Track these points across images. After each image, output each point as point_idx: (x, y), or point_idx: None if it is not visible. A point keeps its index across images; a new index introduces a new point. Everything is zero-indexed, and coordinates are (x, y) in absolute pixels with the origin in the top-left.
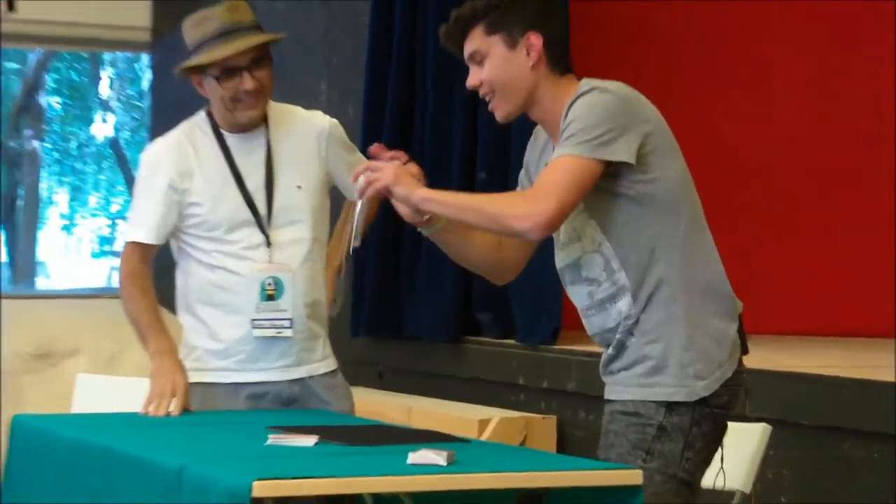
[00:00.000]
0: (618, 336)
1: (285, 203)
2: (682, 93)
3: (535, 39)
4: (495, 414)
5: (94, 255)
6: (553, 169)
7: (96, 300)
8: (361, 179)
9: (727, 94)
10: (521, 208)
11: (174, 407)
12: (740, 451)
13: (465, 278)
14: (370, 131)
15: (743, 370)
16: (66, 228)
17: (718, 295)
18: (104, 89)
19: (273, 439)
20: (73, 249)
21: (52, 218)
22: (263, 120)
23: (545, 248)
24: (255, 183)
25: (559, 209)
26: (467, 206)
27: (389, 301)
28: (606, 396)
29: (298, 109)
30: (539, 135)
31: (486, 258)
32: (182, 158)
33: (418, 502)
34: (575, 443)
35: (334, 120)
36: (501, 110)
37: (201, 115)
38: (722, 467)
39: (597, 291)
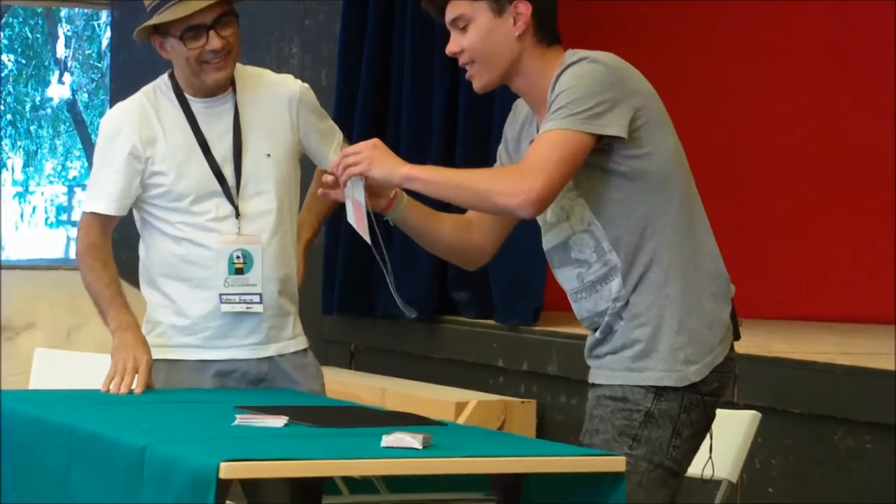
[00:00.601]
0: (606, 319)
1: (254, 172)
2: (682, 77)
3: (524, 8)
4: (473, 397)
5: (51, 225)
6: (542, 143)
7: (54, 272)
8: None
9: (725, 79)
10: (509, 184)
11: (137, 384)
12: (728, 439)
13: None
14: (344, 99)
15: (734, 357)
16: (21, 196)
17: (713, 276)
18: (61, 48)
19: (241, 419)
20: (27, 218)
21: (5, 185)
22: (230, 84)
23: (523, 227)
24: (223, 151)
25: (549, 185)
26: (453, 184)
27: (362, 278)
28: (592, 380)
29: (267, 73)
30: (519, 109)
31: (455, 243)
32: (144, 124)
33: (392, 486)
34: (555, 428)
35: (305, 84)
36: (480, 80)
37: (164, 79)
38: (711, 456)
39: (587, 273)
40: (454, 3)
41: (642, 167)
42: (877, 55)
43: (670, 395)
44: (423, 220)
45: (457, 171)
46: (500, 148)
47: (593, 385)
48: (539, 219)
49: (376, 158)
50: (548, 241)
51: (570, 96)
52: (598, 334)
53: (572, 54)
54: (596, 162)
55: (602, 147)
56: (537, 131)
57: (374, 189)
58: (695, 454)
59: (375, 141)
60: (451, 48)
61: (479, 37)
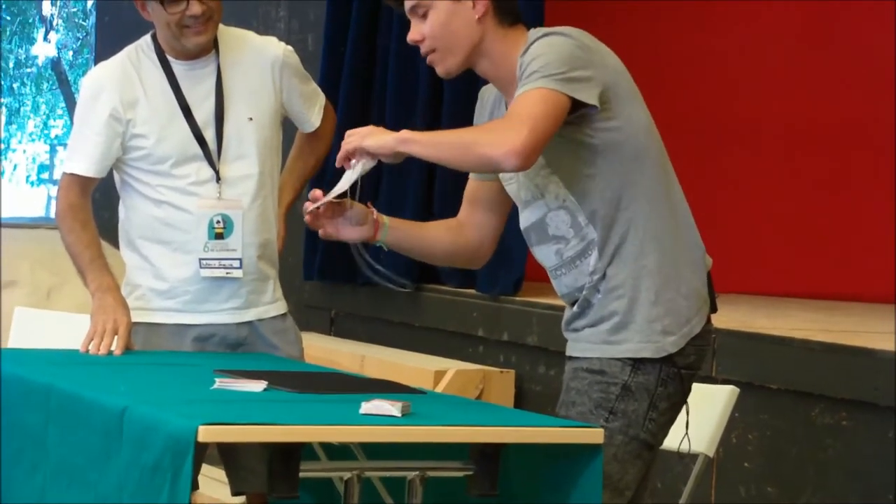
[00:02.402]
0: (584, 293)
1: (236, 136)
2: (670, 50)
3: None
4: (452, 366)
5: (32, 183)
6: (522, 100)
7: (34, 230)
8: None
9: (715, 48)
10: (495, 136)
11: (116, 346)
12: (705, 413)
13: (425, 219)
14: (330, 64)
15: (712, 329)
16: (2, 153)
17: (689, 246)
18: (46, 5)
19: (220, 383)
20: (8, 175)
21: None
22: (213, 46)
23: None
24: (204, 114)
25: (534, 137)
26: (443, 141)
27: (344, 244)
28: (569, 353)
29: (251, 35)
30: (485, 97)
31: (451, 247)
32: (126, 86)
33: (370, 453)
34: (533, 398)
35: (289, 47)
36: (443, 65)
37: (147, 40)
38: (687, 432)
39: (565, 249)
40: None
41: (614, 139)
42: (868, 27)
43: (647, 368)
44: (411, 233)
45: (445, 130)
46: None
47: (570, 357)
48: (514, 198)
49: (369, 133)
50: (525, 219)
51: (543, 61)
52: (575, 308)
53: (537, 31)
54: (568, 135)
55: (573, 120)
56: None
57: (356, 217)
58: (670, 427)
59: (372, 126)
60: (412, 36)
61: (439, 23)
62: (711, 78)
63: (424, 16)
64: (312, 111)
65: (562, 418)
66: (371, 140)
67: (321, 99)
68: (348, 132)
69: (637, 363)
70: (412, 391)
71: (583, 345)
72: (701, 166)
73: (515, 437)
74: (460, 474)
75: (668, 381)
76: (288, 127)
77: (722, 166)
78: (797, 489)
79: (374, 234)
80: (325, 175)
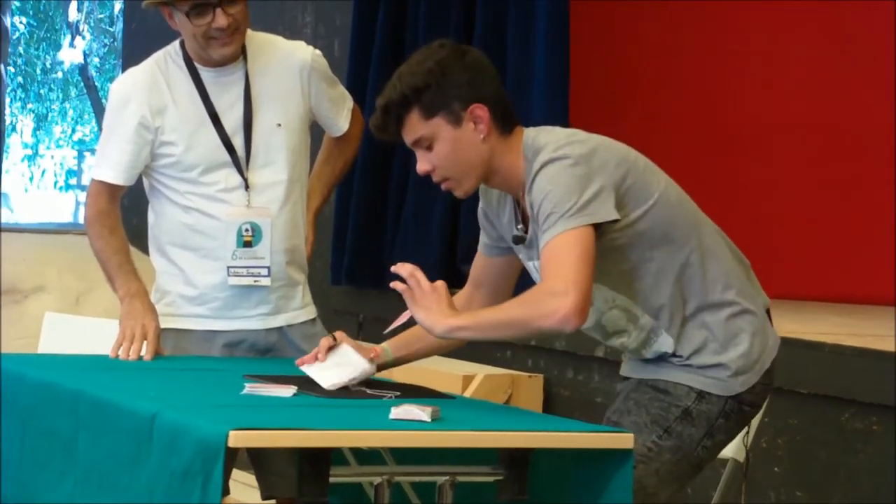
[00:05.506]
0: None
1: (264, 142)
2: (684, 55)
3: (481, 111)
4: (480, 370)
5: (60, 189)
6: (552, 253)
7: (63, 236)
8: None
9: (727, 56)
10: (543, 306)
11: (145, 351)
12: None
13: (451, 228)
14: (357, 70)
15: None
16: (30, 159)
17: (739, 288)
18: (73, 11)
19: (250, 388)
20: (37, 181)
21: (14, 147)
22: (241, 52)
23: None
24: (233, 121)
25: (581, 293)
26: (495, 324)
27: (372, 249)
28: (629, 375)
29: (279, 40)
30: (489, 192)
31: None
32: (154, 93)
33: (399, 458)
34: (561, 403)
35: (317, 51)
36: (461, 190)
37: (175, 47)
38: (748, 452)
39: (630, 341)
40: (409, 127)
41: (639, 229)
42: (879, 31)
43: (713, 399)
44: (413, 346)
45: (493, 309)
46: (481, 217)
47: (628, 378)
48: None
49: (425, 301)
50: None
51: (553, 199)
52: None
53: (531, 141)
54: (598, 245)
55: (598, 233)
56: (517, 208)
57: (361, 349)
58: (719, 452)
59: (440, 284)
60: (421, 167)
61: (447, 151)
62: (734, 88)
63: (429, 147)
64: (340, 115)
65: (611, 424)
66: (422, 315)
67: (349, 103)
68: (414, 268)
69: (703, 392)
70: (441, 396)
71: (651, 367)
72: (721, 171)
73: (544, 441)
74: (490, 479)
75: (731, 414)
76: (315, 130)
77: (744, 171)
78: (827, 494)
79: (377, 358)
80: (353, 178)
